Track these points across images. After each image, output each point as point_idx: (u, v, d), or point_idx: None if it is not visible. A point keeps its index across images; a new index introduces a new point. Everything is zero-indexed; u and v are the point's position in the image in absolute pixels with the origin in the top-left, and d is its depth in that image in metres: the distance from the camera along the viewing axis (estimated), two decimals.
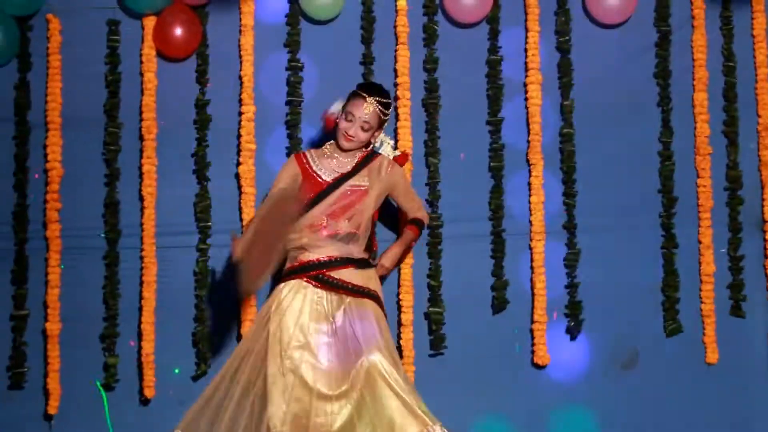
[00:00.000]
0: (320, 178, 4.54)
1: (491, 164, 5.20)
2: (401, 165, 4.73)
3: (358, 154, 4.59)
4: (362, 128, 4.51)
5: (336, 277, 4.43)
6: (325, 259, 4.44)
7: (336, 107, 4.59)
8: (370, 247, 4.63)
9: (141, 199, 5.09)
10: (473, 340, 5.12)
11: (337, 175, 4.55)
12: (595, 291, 5.17)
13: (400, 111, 5.11)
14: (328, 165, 4.57)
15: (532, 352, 5.13)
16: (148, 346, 5.03)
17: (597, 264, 5.18)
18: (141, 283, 5.05)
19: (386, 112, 4.53)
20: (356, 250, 4.50)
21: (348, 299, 4.41)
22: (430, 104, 5.18)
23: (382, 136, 4.67)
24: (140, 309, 5.04)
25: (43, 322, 5.06)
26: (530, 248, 5.17)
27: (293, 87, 5.14)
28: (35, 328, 5.07)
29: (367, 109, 4.48)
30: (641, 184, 5.24)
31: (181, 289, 5.07)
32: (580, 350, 5.18)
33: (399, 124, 5.12)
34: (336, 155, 4.58)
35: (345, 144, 4.53)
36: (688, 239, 5.22)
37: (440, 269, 5.10)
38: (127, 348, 5.06)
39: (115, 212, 5.09)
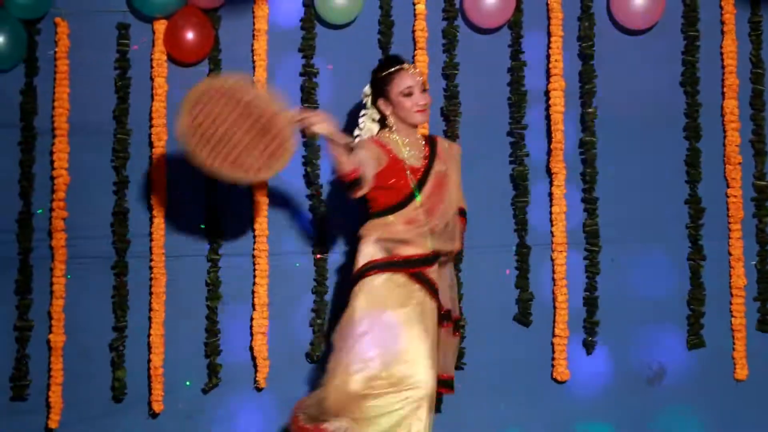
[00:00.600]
0: (407, 162, 4.33)
1: (513, 174, 5.12)
2: None
3: (419, 136, 4.44)
4: (424, 90, 4.36)
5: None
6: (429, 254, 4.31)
7: (364, 134, 4.45)
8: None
9: (150, 208, 5.03)
10: (494, 354, 5.05)
11: (423, 160, 4.38)
12: (617, 304, 5.10)
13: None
14: (409, 151, 4.38)
15: (552, 366, 5.06)
16: (157, 359, 4.97)
17: (620, 276, 5.12)
18: (150, 294, 4.99)
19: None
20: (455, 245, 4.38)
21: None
22: (450, 112, 5.10)
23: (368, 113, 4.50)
24: (150, 320, 4.97)
25: (47, 334, 5.00)
26: (552, 260, 5.10)
27: (308, 93, 5.07)
28: (39, 340, 5.01)
29: (415, 71, 4.37)
30: (668, 194, 5.16)
31: (192, 299, 5.02)
32: (602, 364, 5.11)
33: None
34: (406, 140, 4.39)
35: (423, 116, 4.35)
36: (716, 251, 5.14)
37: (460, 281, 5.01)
38: (136, 360, 4.99)
39: (123, 221, 5.02)
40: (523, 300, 5.06)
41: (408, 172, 4.32)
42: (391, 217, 4.28)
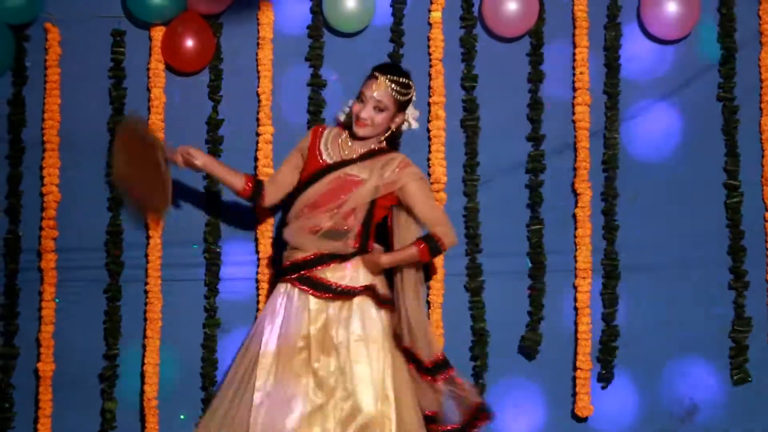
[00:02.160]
0: (321, 157, 4.32)
1: (533, 194, 4.97)
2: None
3: (373, 145, 4.34)
4: (376, 108, 4.24)
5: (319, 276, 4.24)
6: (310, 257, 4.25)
7: None
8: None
9: (146, 227, 4.91)
10: (512, 387, 4.93)
11: (338, 159, 4.31)
12: (647, 335, 4.97)
13: (433, 134, 4.93)
14: (336, 148, 4.34)
15: (573, 402, 4.94)
16: (151, 390, 4.86)
17: (649, 306, 4.99)
18: (145, 320, 4.89)
19: (403, 92, 4.27)
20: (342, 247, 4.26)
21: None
22: (468, 126, 4.95)
23: (409, 117, 4.41)
24: (144, 348, 4.87)
25: (34, 362, 4.89)
26: (574, 287, 4.96)
27: (315, 105, 4.94)
28: (26, 369, 4.90)
29: (379, 87, 4.23)
30: (704, 217, 5.02)
31: (189, 325, 4.91)
32: (628, 400, 4.98)
33: (433, 147, 4.92)
34: (349, 142, 4.34)
35: (359, 130, 4.27)
36: (754, 278, 5.02)
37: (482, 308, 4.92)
38: (129, 391, 4.88)
39: (117, 241, 4.91)
40: (531, 331, 4.92)
41: (317, 161, 4.31)
42: (290, 213, 4.31)
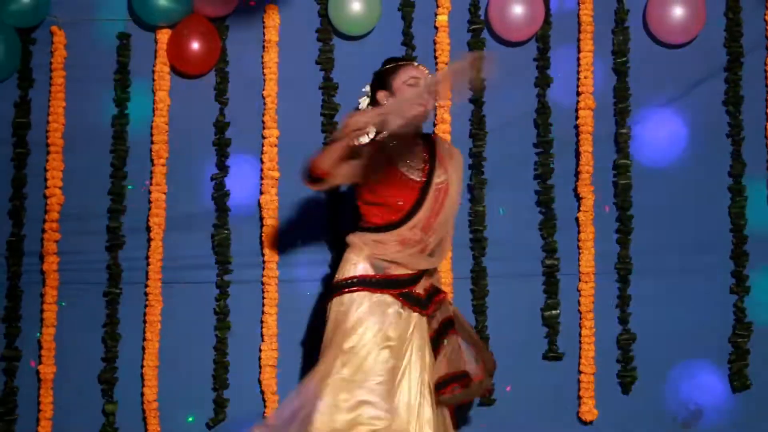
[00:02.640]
0: (408, 176, 4.03)
1: (540, 198, 4.96)
2: None
3: (419, 139, 4.11)
4: (432, 95, 4.03)
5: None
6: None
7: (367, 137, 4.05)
8: None
9: (148, 229, 4.89)
10: (519, 390, 4.91)
11: (421, 169, 4.06)
12: (651, 340, 4.93)
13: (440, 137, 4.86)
14: (406, 159, 4.06)
15: (579, 405, 4.91)
16: (151, 392, 4.85)
17: (654, 310, 4.95)
18: (144, 322, 4.87)
19: None
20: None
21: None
22: (475, 130, 4.95)
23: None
24: (143, 350, 4.86)
25: (36, 365, 4.87)
26: (578, 290, 4.93)
27: (326, 107, 4.93)
28: (28, 371, 4.88)
29: (422, 70, 4.06)
30: (708, 221, 4.99)
31: (194, 328, 4.89)
32: (633, 404, 4.94)
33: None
34: (403, 146, 4.05)
35: (423, 120, 4.05)
36: (759, 283, 4.98)
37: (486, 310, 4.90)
38: (131, 394, 4.86)
39: (119, 244, 4.90)
40: (550, 333, 4.91)
41: (407, 186, 4.02)
42: (384, 235, 4.01)
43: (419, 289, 4.04)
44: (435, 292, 4.10)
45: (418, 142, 4.10)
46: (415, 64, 4.09)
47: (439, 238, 4.06)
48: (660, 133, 5.00)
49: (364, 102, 4.16)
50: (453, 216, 4.11)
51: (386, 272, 3.99)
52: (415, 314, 4.01)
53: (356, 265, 3.99)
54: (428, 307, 4.05)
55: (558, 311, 4.88)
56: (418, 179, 4.02)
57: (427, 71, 4.08)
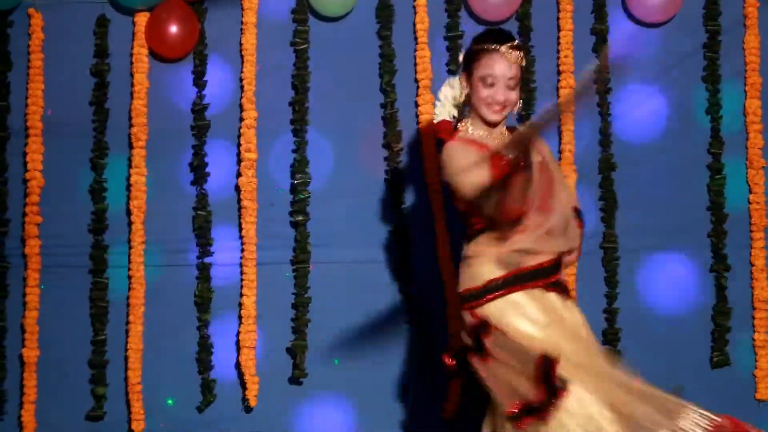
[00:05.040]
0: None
1: None
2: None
3: (504, 129, 3.80)
4: (509, 87, 3.68)
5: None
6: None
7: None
8: None
9: (129, 213, 4.88)
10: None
11: None
12: (634, 318, 4.95)
13: (422, 118, 4.90)
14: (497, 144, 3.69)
15: None
16: (135, 376, 4.83)
17: (637, 288, 4.98)
18: (128, 306, 4.85)
19: (525, 57, 3.76)
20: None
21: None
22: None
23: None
24: (126, 333, 4.85)
25: (19, 348, 4.85)
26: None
27: (300, 91, 4.90)
28: (11, 355, 4.86)
29: (507, 60, 3.66)
30: (688, 200, 5.00)
31: (176, 311, 4.88)
32: None
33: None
34: (489, 135, 3.74)
35: (495, 116, 3.69)
36: (738, 261, 4.99)
37: None
38: (114, 378, 4.86)
39: (101, 227, 4.88)
40: None
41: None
42: (501, 232, 3.67)
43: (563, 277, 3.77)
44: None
45: (502, 135, 3.78)
46: (503, 50, 3.66)
47: (564, 218, 3.72)
48: (640, 111, 4.99)
49: (450, 90, 3.92)
50: (567, 193, 3.82)
51: (522, 266, 3.65)
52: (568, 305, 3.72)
53: (479, 274, 3.67)
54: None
55: None
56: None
57: (517, 63, 3.66)
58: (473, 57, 3.70)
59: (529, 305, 3.61)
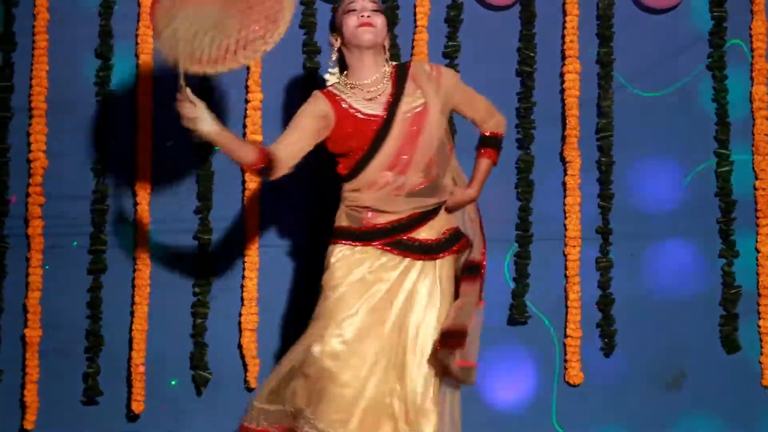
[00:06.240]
0: (363, 113, 3.73)
1: (520, 162, 4.95)
2: None
3: (388, 69, 3.81)
4: (373, 10, 3.74)
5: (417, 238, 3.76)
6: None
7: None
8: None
9: (134, 194, 4.89)
10: (502, 354, 4.90)
11: (385, 102, 3.74)
12: (640, 305, 4.95)
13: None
14: (364, 96, 3.76)
15: (565, 369, 4.93)
16: (138, 356, 4.84)
17: (643, 275, 4.97)
18: (133, 287, 4.87)
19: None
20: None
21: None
22: None
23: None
24: (132, 314, 4.86)
25: (21, 328, 4.86)
26: (564, 255, 4.95)
27: (308, 72, 4.90)
28: (13, 335, 4.88)
29: None
30: (695, 186, 5.00)
31: (179, 290, 4.88)
32: (619, 367, 4.96)
33: None
34: (365, 81, 3.76)
35: (365, 35, 3.70)
36: (745, 247, 4.98)
37: None
38: (114, 357, 4.86)
39: (104, 208, 4.88)
40: (518, 298, 4.91)
41: (363, 126, 3.73)
42: (353, 184, 3.76)
43: (423, 235, 3.76)
44: (457, 235, 3.82)
45: (385, 72, 3.80)
46: None
47: (425, 173, 3.74)
48: (643, 98, 4.97)
49: (333, 77, 4.04)
50: (439, 143, 3.77)
51: (364, 222, 3.75)
52: (419, 262, 3.74)
53: (337, 218, 3.83)
54: (442, 253, 3.77)
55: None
56: (380, 112, 3.74)
57: None
58: (337, 11, 3.82)
59: (344, 267, 3.73)
